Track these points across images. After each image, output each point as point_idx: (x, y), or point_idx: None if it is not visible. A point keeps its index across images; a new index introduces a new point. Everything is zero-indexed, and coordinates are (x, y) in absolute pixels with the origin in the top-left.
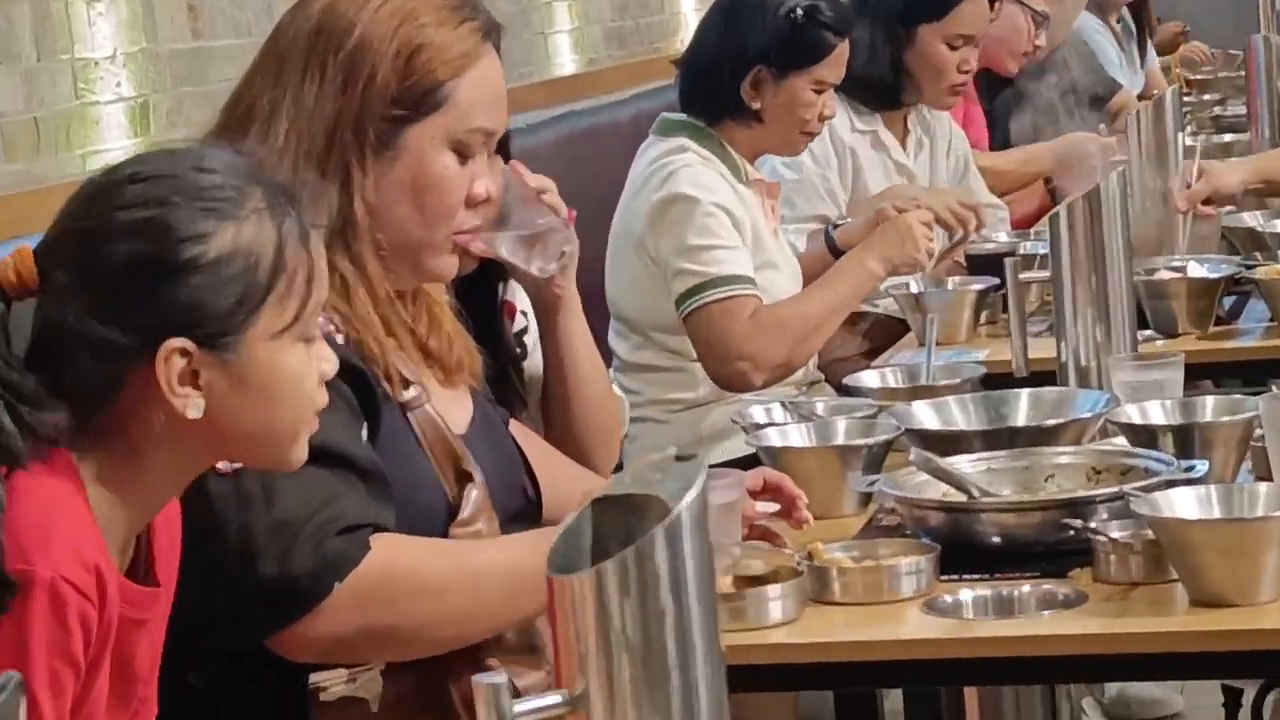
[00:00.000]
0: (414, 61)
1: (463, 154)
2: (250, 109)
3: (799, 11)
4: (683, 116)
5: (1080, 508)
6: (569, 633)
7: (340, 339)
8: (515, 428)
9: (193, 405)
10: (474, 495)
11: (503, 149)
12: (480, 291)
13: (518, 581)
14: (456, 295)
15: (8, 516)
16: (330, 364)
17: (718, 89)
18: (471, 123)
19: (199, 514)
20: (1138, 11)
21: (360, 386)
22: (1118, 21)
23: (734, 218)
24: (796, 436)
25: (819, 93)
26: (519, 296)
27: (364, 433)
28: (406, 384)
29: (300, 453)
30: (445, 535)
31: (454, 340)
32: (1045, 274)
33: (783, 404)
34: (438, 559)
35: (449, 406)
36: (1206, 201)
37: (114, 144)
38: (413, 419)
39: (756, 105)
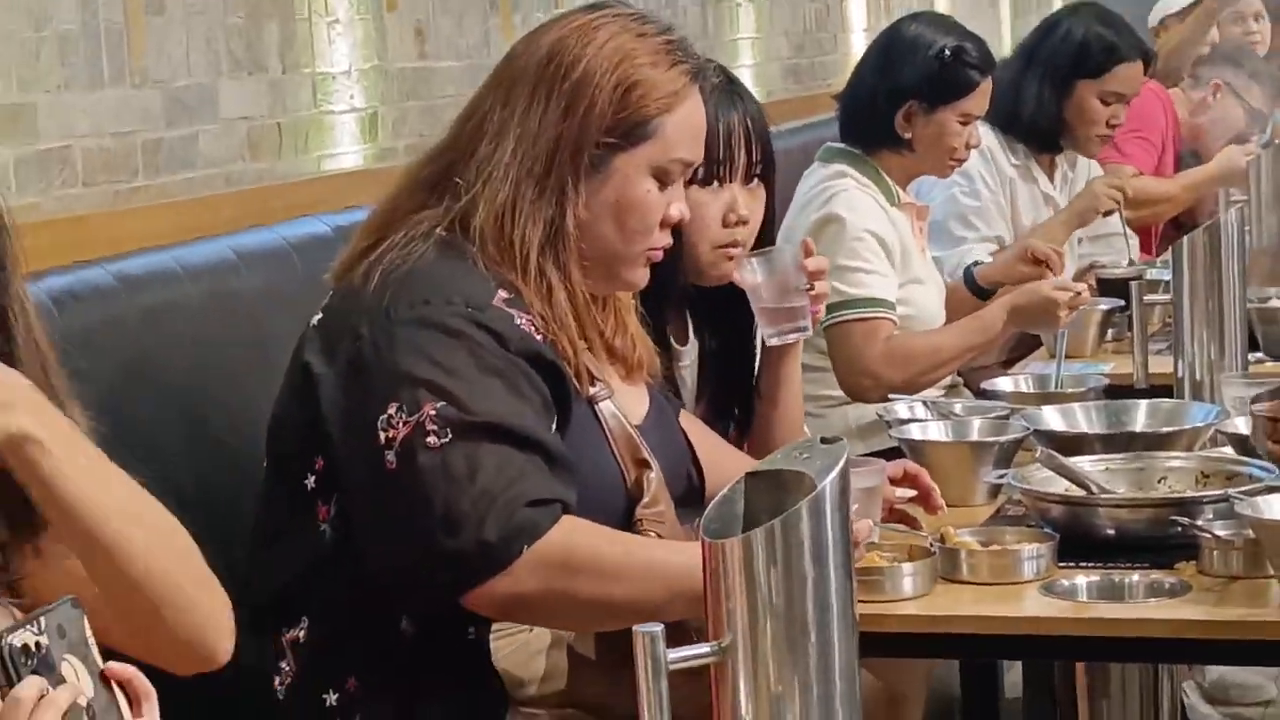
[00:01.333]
0: (629, 96)
1: (663, 181)
2: (480, 124)
3: (947, 52)
4: (843, 145)
5: (1188, 507)
6: (720, 591)
7: (539, 338)
8: (684, 418)
9: None
10: (653, 481)
11: (766, 179)
12: (659, 299)
13: (679, 585)
14: (641, 300)
15: None
16: None
17: (874, 121)
18: (674, 154)
19: (408, 488)
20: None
21: (555, 381)
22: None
23: (883, 241)
24: (936, 432)
25: (964, 124)
26: None
27: (553, 424)
28: (594, 380)
29: None
30: (628, 517)
31: (636, 341)
32: (1167, 297)
33: (924, 403)
34: (614, 546)
35: (628, 400)
36: None
37: (346, 149)
38: (599, 411)
39: (908, 135)
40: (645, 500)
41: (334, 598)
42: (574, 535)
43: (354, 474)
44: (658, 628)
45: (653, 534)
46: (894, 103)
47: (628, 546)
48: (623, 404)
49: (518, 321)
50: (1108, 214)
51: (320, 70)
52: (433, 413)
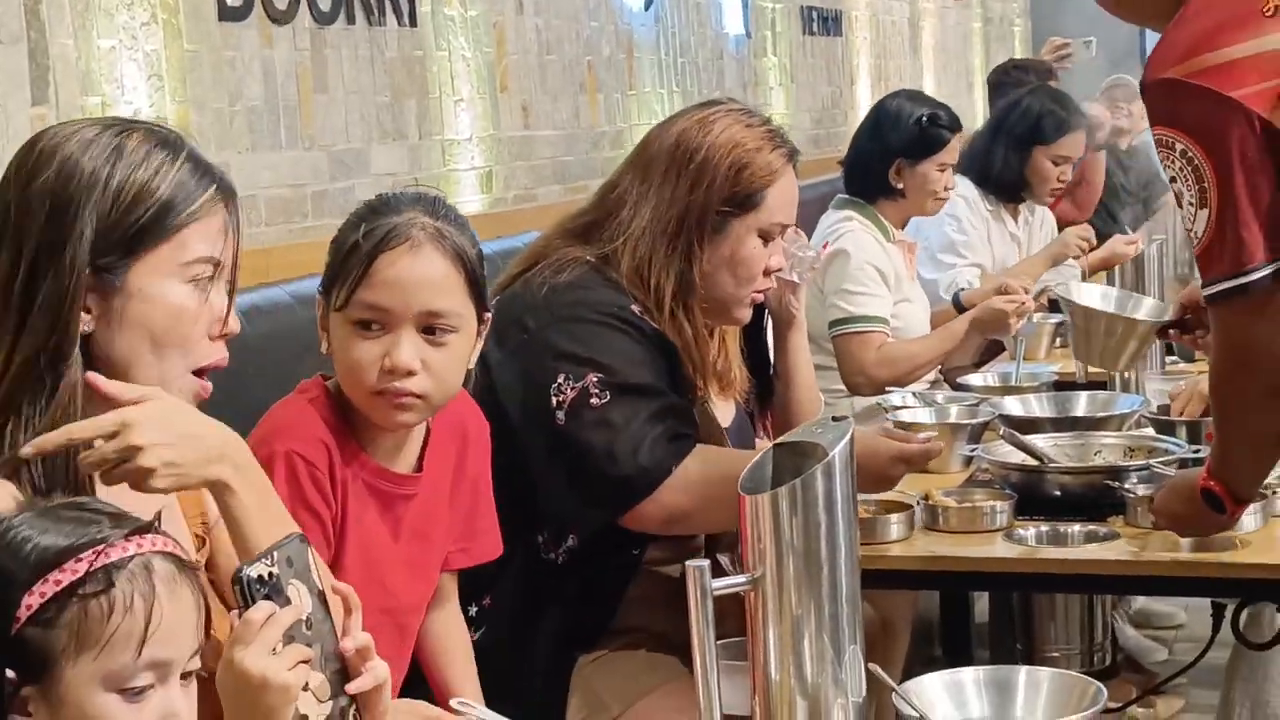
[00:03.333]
0: (741, 174)
1: (766, 239)
2: (621, 195)
3: (924, 119)
4: (848, 196)
5: (1118, 474)
6: (753, 534)
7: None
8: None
9: (324, 343)
10: None
11: None
12: (757, 336)
13: None
14: (744, 335)
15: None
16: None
17: (871, 177)
18: (775, 218)
19: (578, 439)
20: None
21: (675, 370)
22: None
23: (880, 270)
24: (922, 415)
25: (942, 171)
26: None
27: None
28: (699, 387)
29: (384, 418)
30: None
31: (732, 364)
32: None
33: (914, 394)
34: (731, 462)
35: (720, 408)
36: None
37: (468, 199)
38: (701, 411)
39: (900, 185)
40: None
41: (517, 547)
42: (706, 456)
43: (529, 434)
44: (704, 563)
45: None
46: (886, 162)
47: (745, 456)
48: (716, 409)
49: (654, 324)
50: (1076, 257)
51: (448, 137)
52: (595, 380)
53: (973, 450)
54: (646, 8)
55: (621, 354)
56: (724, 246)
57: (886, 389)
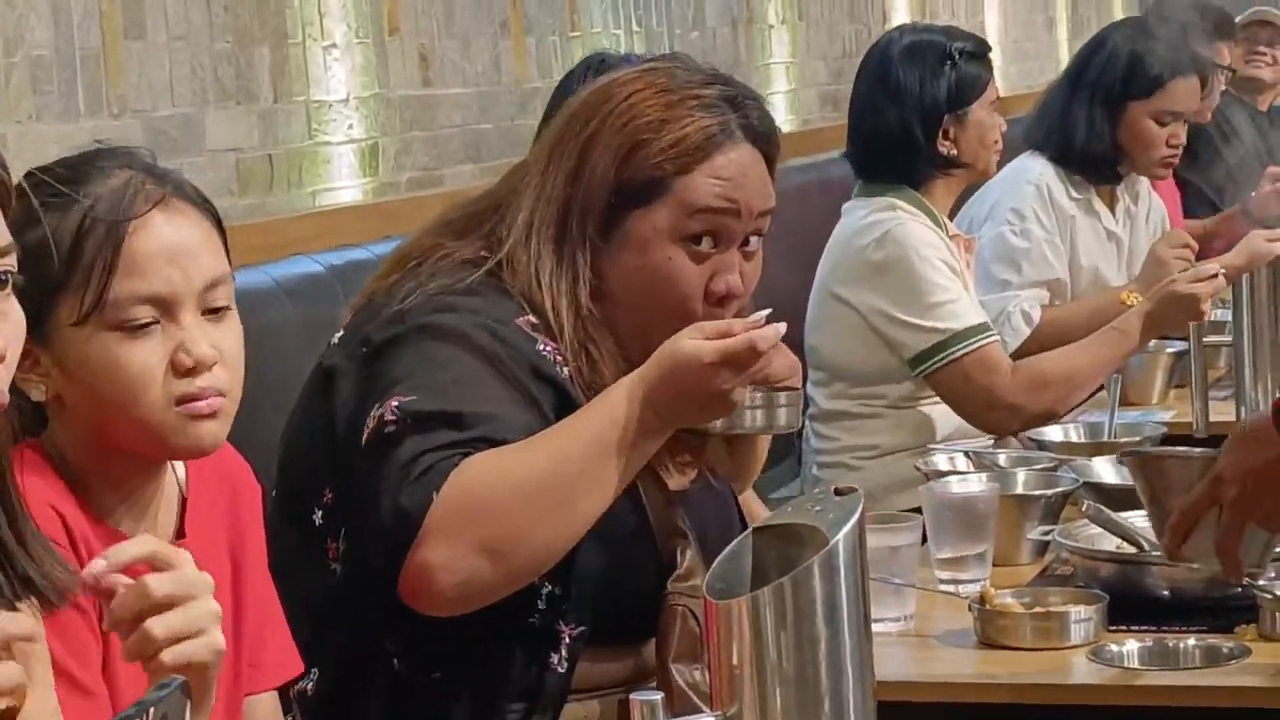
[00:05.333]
0: (635, 154)
1: (693, 246)
2: (515, 183)
3: (954, 54)
4: (882, 182)
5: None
6: (725, 655)
7: (564, 372)
8: (747, 498)
9: (34, 389)
10: (688, 552)
11: None
12: None
13: (602, 447)
14: None
15: None
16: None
17: (915, 154)
18: (695, 217)
19: (365, 486)
20: None
21: (568, 413)
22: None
23: (953, 268)
24: (975, 485)
25: (995, 109)
26: None
27: None
28: None
29: (185, 438)
30: (659, 588)
31: None
32: (1228, 338)
33: (966, 454)
34: (518, 453)
35: (672, 469)
36: None
37: (343, 183)
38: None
39: (954, 152)
40: (679, 572)
41: (345, 645)
42: (476, 465)
43: (349, 479)
44: (657, 695)
45: (686, 610)
46: (931, 127)
47: (533, 442)
48: (662, 468)
49: (540, 346)
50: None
51: (315, 98)
52: (395, 404)
53: (1047, 533)
54: None
55: (473, 380)
56: (626, 255)
57: (1036, 417)
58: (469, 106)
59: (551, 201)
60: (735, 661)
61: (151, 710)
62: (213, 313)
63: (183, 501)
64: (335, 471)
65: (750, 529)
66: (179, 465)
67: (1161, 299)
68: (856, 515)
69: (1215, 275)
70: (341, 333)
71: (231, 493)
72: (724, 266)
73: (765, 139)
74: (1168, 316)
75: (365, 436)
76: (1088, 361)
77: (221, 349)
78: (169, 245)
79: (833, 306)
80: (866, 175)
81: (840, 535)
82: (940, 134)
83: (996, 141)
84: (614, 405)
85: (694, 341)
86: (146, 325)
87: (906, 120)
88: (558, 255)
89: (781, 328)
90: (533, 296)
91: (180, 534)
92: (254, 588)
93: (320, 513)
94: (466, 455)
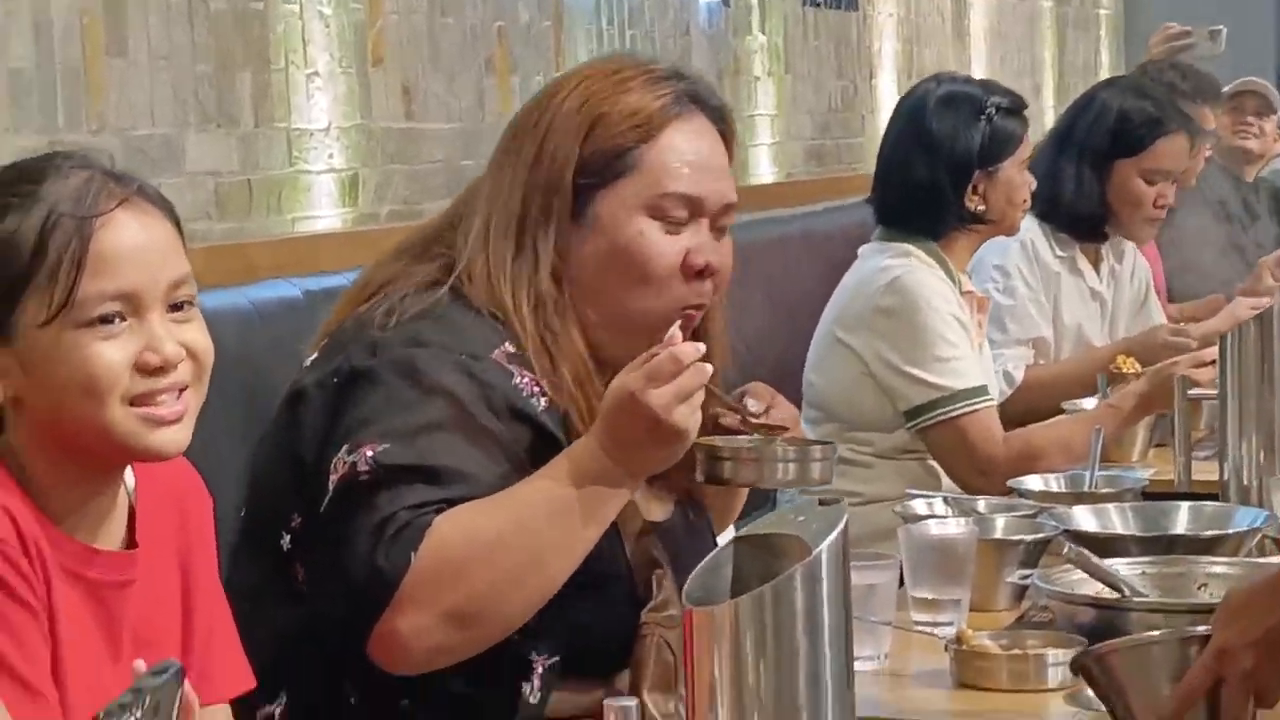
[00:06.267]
0: (595, 129)
1: (664, 220)
2: (469, 195)
3: (991, 109)
4: (902, 230)
5: None
6: (703, 664)
7: (542, 403)
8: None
9: None
10: (665, 582)
11: None
12: None
13: (567, 510)
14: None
15: None
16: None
17: (942, 206)
18: (666, 187)
19: (331, 533)
20: None
21: (551, 453)
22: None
23: (963, 325)
24: (955, 527)
25: (1024, 169)
26: None
27: None
28: None
29: (146, 442)
30: (634, 617)
31: None
32: (1214, 392)
33: (945, 499)
34: (488, 517)
35: (647, 496)
36: None
37: (322, 211)
38: None
39: (982, 208)
40: (654, 602)
41: (313, 669)
42: (442, 528)
43: (312, 513)
44: (631, 702)
45: (661, 641)
46: (961, 181)
47: (500, 502)
48: (643, 500)
49: (516, 380)
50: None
51: (297, 126)
52: (369, 454)
53: (1026, 578)
54: None
55: (445, 428)
56: (595, 237)
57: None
58: (452, 142)
59: (510, 195)
60: (712, 672)
61: (148, 697)
62: (177, 309)
63: (131, 510)
64: (303, 497)
65: (732, 538)
66: (129, 475)
67: (1161, 381)
68: (840, 526)
69: (1214, 362)
70: (315, 355)
71: (181, 503)
72: (698, 238)
73: (718, 114)
74: (1165, 399)
75: (336, 478)
76: (1080, 434)
77: (189, 346)
78: (136, 242)
79: (835, 348)
80: (887, 222)
81: (824, 545)
82: (970, 189)
83: (1025, 200)
84: (576, 465)
85: (621, 376)
86: (115, 322)
87: (936, 171)
88: (518, 244)
89: (701, 347)
90: (495, 296)
91: (131, 543)
92: (204, 599)
93: (288, 537)
94: (440, 511)
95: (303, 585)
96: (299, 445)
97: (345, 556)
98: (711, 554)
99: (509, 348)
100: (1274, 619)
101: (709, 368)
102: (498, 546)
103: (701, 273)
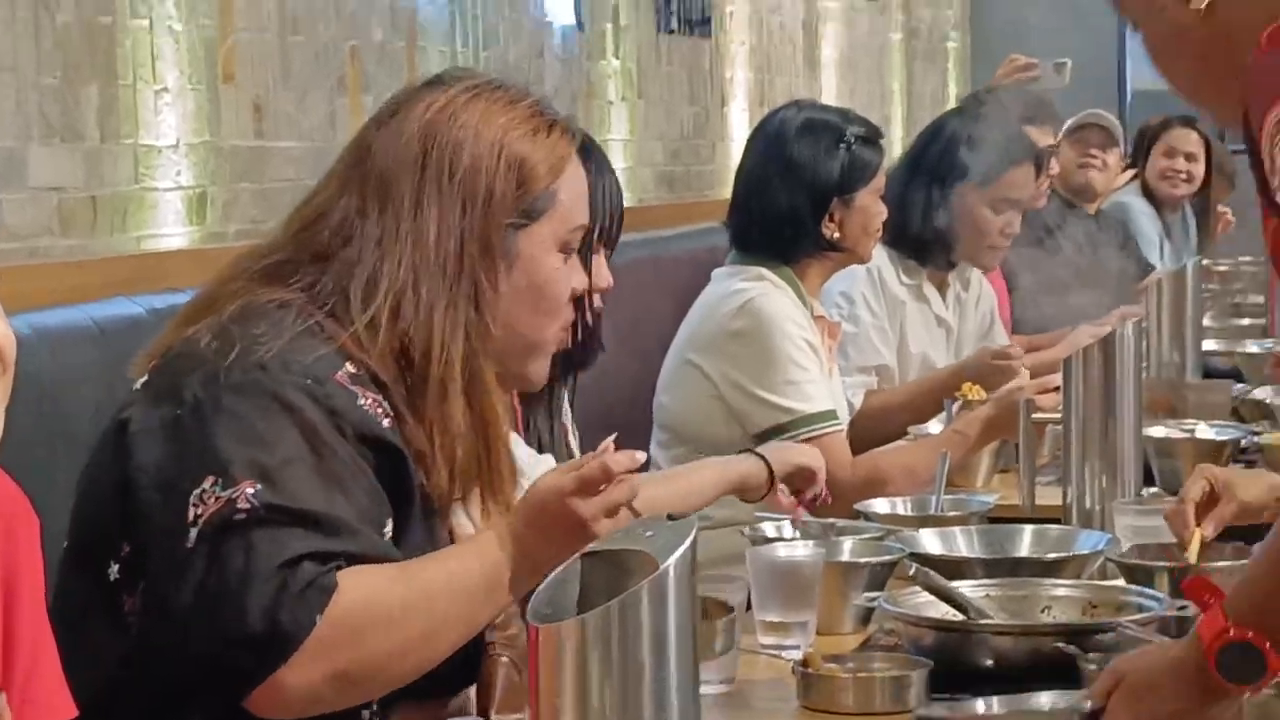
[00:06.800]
0: (522, 172)
1: (567, 253)
2: (343, 229)
3: (850, 138)
4: (755, 254)
5: (1074, 636)
6: (548, 681)
7: (386, 422)
8: None
9: None
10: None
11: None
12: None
13: (469, 590)
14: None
15: None
16: None
17: (798, 232)
18: (574, 221)
19: (208, 569)
20: (1202, 211)
21: (395, 469)
22: (1175, 212)
23: (814, 348)
24: (802, 551)
25: (880, 196)
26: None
27: (387, 516)
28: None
29: None
30: (477, 641)
31: (503, 461)
32: (1058, 417)
33: (792, 522)
34: (394, 589)
35: (491, 514)
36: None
37: (169, 230)
38: (456, 523)
39: (837, 235)
40: (498, 622)
41: (139, 699)
42: (347, 594)
43: (157, 545)
44: None
45: (503, 658)
46: (820, 208)
47: (406, 576)
48: (478, 515)
49: (360, 401)
50: None
51: (144, 142)
52: (250, 492)
53: (873, 600)
54: None
55: (294, 456)
56: (516, 273)
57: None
58: (301, 161)
59: (441, 242)
60: (557, 690)
61: None
62: None
63: None
64: (137, 527)
65: (578, 554)
66: None
67: (1006, 406)
68: (689, 541)
69: (1059, 388)
70: (146, 378)
71: (7, 524)
72: (577, 267)
73: (584, 150)
74: (1010, 424)
75: (204, 512)
76: (925, 461)
77: None
78: None
79: (687, 370)
80: (743, 246)
81: (671, 560)
82: (827, 216)
83: (878, 230)
84: (484, 552)
85: (553, 475)
86: None
87: (796, 197)
88: (453, 292)
89: (638, 457)
90: (402, 352)
91: None
92: (28, 621)
93: (116, 566)
94: (339, 567)
95: (130, 615)
96: (130, 473)
97: (234, 601)
98: (558, 569)
99: (350, 368)
100: (1178, 704)
101: (638, 481)
102: (398, 618)
103: (579, 298)
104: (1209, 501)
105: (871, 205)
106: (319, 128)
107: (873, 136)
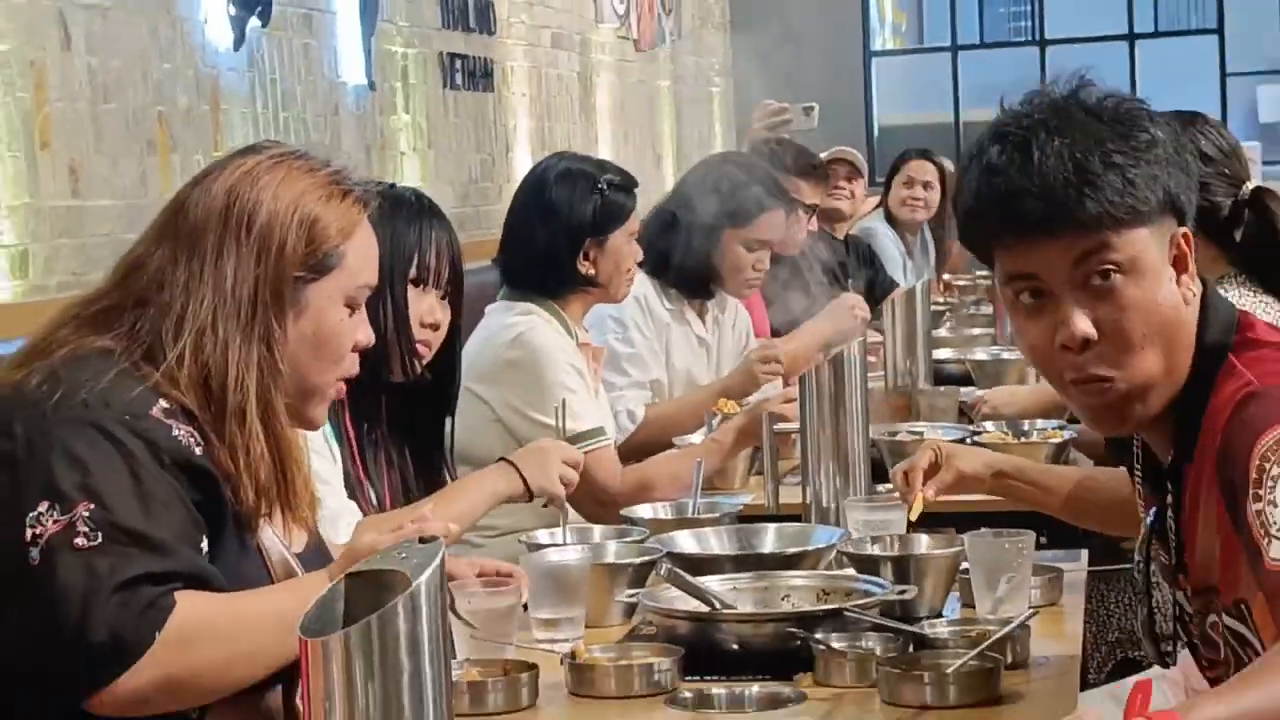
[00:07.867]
0: (313, 230)
1: (352, 308)
2: (158, 277)
3: (603, 185)
4: (522, 290)
5: (806, 621)
6: (318, 688)
7: (198, 450)
8: None
9: None
10: None
11: (455, 301)
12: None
13: (289, 623)
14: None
15: None
16: None
17: (558, 269)
18: (360, 279)
19: (50, 586)
20: (940, 236)
21: (208, 493)
22: (914, 235)
23: (581, 373)
24: (571, 554)
25: (632, 237)
26: None
27: (203, 536)
28: (259, 508)
29: None
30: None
31: (308, 482)
32: (796, 425)
33: (567, 528)
34: (228, 613)
35: (296, 536)
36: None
37: None
38: (259, 535)
39: (592, 272)
40: None
41: None
42: (187, 611)
43: None
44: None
45: None
46: (575, 247)
47: (235, 604)
48: (284, 532)
49: (175, 433)
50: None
51: None
52: (85, 514)
53: (633, 596)
54: (237, 47)
55: (121, 482)
56: (304, 322)
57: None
58: (117, 218)
59: (239, 283)
60: (327, 693)
61: None
62: None
63: None
64: None
65: (343, 575)
66: None
67: (753, 417)
68: (437, 560)
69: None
70: None
71: None
72: (362, 322)
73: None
74: (758, 433)
75: (41, 534)
76: (687, 466)
77: None
78: None
79: (468, 399)
80: (512, 283)
81: (422, 579)
82: (582, 255)
83: (629, 270)
84: (306, 588)
85: (372, 534)
86: None
87: (554, 237)
88: (247, 334)
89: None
90: (204, 385)
91: None
92: None
93: None
94: (176, 589)
95: None
96: None
97: (76, 614)
98: (324, 590)
99: (164, 404)
100: None
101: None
102: (226, 639)
103: (361, 349)
104: (932, 469)
105: (624, 246)
106: (132, 187)
107: (626, 184)
